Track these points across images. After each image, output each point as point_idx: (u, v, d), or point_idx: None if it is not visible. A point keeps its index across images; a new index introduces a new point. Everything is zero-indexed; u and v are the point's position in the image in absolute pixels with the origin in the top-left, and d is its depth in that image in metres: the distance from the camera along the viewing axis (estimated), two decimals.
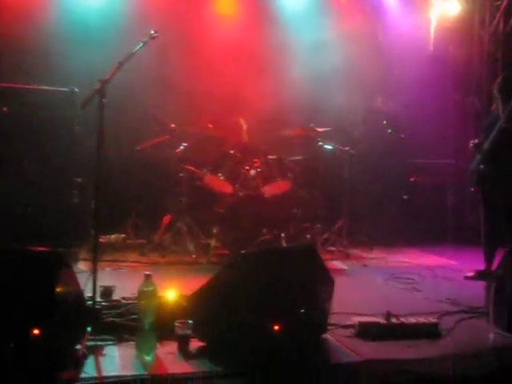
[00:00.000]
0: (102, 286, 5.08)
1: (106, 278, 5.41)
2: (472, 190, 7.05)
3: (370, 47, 9.62)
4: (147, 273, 4.11)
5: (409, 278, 6.83)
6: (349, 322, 4.74)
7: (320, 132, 8.52)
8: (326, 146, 8.66)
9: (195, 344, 4.16)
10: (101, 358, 3.90)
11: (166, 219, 8.25)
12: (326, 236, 8.64)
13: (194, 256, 7.56)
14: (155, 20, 8.18)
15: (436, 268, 7.53)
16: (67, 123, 7.49)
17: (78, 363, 3.73)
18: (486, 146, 6.65)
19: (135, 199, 8.49)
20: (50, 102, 7.41)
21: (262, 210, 7.58)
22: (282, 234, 7.60)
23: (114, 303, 4.79)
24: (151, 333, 4.01)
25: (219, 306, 4.10)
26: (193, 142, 8.24)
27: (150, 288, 4.05)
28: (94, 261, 4.48)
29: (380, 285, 6.63)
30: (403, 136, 9.68)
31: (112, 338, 4.22)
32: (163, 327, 4.20)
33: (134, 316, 4.35)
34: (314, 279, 4.49)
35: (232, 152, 7.88)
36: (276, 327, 3.96)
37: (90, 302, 4.41)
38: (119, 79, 4.73)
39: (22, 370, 3.43)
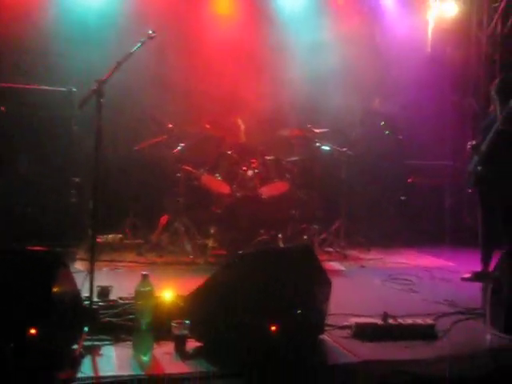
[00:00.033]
0: (99, 286, 5.07)
1: (103, 278, 5.42)
2: (469, 191, 7.05)
3: (367, 48, 9.63)
4: (144, 273, 4.12)
5: (406, 279, 6.84)
6: (346, 323, 4.74)
7: (318, 133, 8.52)
8: (323, 147, 8.66)
9: (192, 344, 4.16)
10: (98, 358, 3.90)
11: (164, 219, 8.25)
12: (323, 237, 8.65)
13: (191, 256, 7.56)
14: (154, 20, 8.18)
15: (433, 269, 7.53)
16: (65, 123, 7.50)
17: (75, 363, 3.73)
18: (483, 147, 6.66)
19: (133, 199, 8.49)
20: (48, 101, 7.42)
21: (260, 211, 7.59)
22: (280, 235, 7.60)
23: (111, 303, 4.79)
24: (148, 333, 4.01)
25: (216, 306, 4.10)
26: (190, 143, 8.23)
27: (147, 288, 4.05)
28: (92, 261, 4.47)
29: (377, 286, 6.63)
30: (401, 137, 9.70)
31: (109, 338, 4.22)
32: (160, 327, 4.20)
33: (131, 316, 4.35)
34: (311, 280, 4.50)
35: (229, 152, 7.88)
36: (273, 328, 3.96)
37: (87, 302, 4.41)
38: (117, 79, 4.73)
39: (19, 370, 3.43)
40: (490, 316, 4.84)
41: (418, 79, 9.71)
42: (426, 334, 4.64)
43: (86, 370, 3.69)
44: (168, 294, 4.62)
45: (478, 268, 6.83)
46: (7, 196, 7.15)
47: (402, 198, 10.02)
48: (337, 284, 4.76)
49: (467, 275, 6.91)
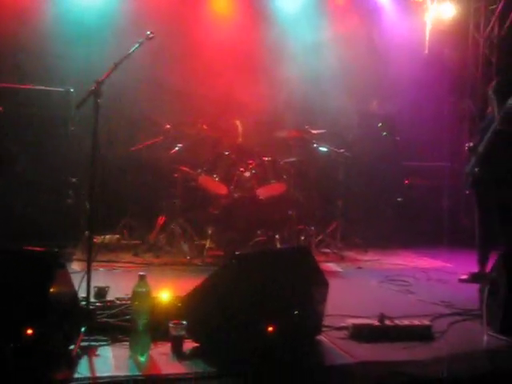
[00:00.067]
0: (96, 287, 5.08)
1: (100, 279, 5.41)
2: (467, 193, 7.06)
3: (365, 50, 9.64)
4: (141, 273, 4.11)
5: (403, 281, 6.84)
6: (343, 324, 4.74)
7: (315, 134, 8.52)
8: (321, 148, 8.67)
9: (189, 345, 4.16)
10: (94, 359, 3.90)
11: (161, 220, 8.25)
12: (320, 238, 8.66)
13: (188, 257, 7.56)
14: (151, 21, 8.17)
15: (430, 270, 7.55)
16: (62, 123, 7.51)
17: (72, 363, 3.72)
18: (480, 148, 6.67)
19: (130, 200, 8.49)
20: (46, 102, 7.43)
21: (257, 212, 7.59)
22: (277, 236, 7.61)
23: (108, 304, 4.78)
24: (145, 333, 4.00)
25: (213, 307, 4.09)
26: (188, 143, 8.24)
27: (144, 289, 4.04)
28: (88, 261, 4.47)
29: (374, 287, 6.64)
30: (398, 138, 9.72)
31: (106, 338, 4.21)
32: (157, 328, 4.19)
33: (127, 317, 4.34)
34: (308, 281, 4.50)
35: (227, 153, 7.88)
36: (270, 328, 3.96)
37: (84, 303, 4.40)
38: (115, 80, 4.72)
39: (16, 370, 3.42)
40: (486, 317, 4.84)
41: (416, 80, 9.73)
42: (422, 335, 4.64)
43: (82, 370, 3.68)
44: (165, 294, 4.62)
45: (475, 269, 6.84)
46: (4, 196, 7.15)
47: (399, 199, 10.04)
48: (334, 285, 4.76)
49: (464, 276, 6.93)
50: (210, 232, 7.60)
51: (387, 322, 4.64)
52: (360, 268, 7.77)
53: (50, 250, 4.02)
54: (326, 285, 4.62)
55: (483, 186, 6.74)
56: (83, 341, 4.05)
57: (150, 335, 4.05)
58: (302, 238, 8.27)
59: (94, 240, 6.18)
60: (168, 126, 8.18)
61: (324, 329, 4.64)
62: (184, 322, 4.14)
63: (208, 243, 7.57)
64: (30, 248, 3.99)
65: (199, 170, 7.86)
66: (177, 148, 8.08)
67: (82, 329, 4.14)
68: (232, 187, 7.66)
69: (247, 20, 9.59)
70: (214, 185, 7.76)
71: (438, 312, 5.39)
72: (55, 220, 7.31)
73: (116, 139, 8.43)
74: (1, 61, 8.37)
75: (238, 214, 7.58)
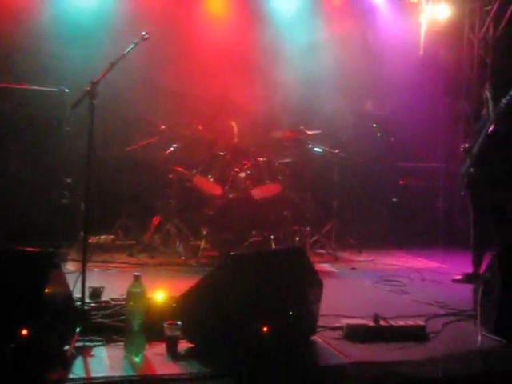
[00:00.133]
0: (90, 287, 5.07)
1: (94, 279, 5.41)
2: (462, 194, 7.07)
3: (360, 51, 9.65)
4: (136, 274, 4.11)
5: (397, 281, 6.86)
6: (337, 324, 4.74)
7: (310, 135, 8.53)
8: (315, 149, 8.67)
9: (184, 345, 4.16)
10: (89, 359, 3.89)
11: (156, 220, 8.25)
12: (315, 238, 8.67)
13: (183, 257, 7.56)
14: (147, 21, 8.20)
15: (425, 271, 7.56)
16: (57, 123, 7.50)
17: (67, 364, 3.72)
18: (475, 149, 6.69)
19: (125, 200, 8.48)
20: (41, 102, 7.42)
21: (252, 212, 7.60)
22: (272, 236, 7.62)
23: (103, 304, 4.78)
24: (140, 334, 4.00)
25: (208, 307, 4.10)
26: (183, 144, 8.23)
27: (139, 289, 4.04)
28: (83, 261, 4.46)
29: (369, 287, 6.65)
30: (392, 139, 9.73)
31: (101, 338, 4.21)
32: (152, 328, 4.19)
33: (122, 317, 4.33)
34: (302, 281, 4.51)
35: (222, 154, 7.89)
36: (265, 329, 3.96)
37: (78, 303, 4.40)
38: (110, 80, 4.72)
39: (11, 370, 3.42)
40: (480, 317, 4.86)
41: (411, 81, 9.75)
42: (417, 335, 4.65)
43: (77, 370, 3.68)
44: (160, 295, 4.62)
45: (469, 270, 6.86)
46: None
47: (394, 199, 10.05)
48: (328, 285, 4.77)
49: (458, 277, 6.95)
50: (204, 232, 7.60)
51: (382, 323, 4.65)
52: (354, 268, 7.77)
53: (45, 250, 4.02)
54: (320, 285, 4.62)
55: (478, 187, 6.75)
56: (78, 341, 4.05)
57: (145, 335, 4.05)
58: (297, 238, 8.29)
59: (89, 240, 6.18)
60: (163, 127, 8.18)
61: (319, 329, 4.64)
62: (179, 323, 4.14)
63: (203, 244, 7.57)
64: (24, 248, 3.98)
65: (194, 171, 7.87)
66: (172, 148, 8.08)
67: (77, 329, 4.14)
68: (227, 188, 7.67)
69: (242, 21, 9.60)
70: (209, 185, 7.76)
71: (432, 312, 5.40)
72: (50, 220, 7.30)
73: (111, 139, 8.42)
74: None
75: (233, 214, 7.58)
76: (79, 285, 4.41)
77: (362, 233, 9.22)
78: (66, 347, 3.88)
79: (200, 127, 8.22)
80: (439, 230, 9.54)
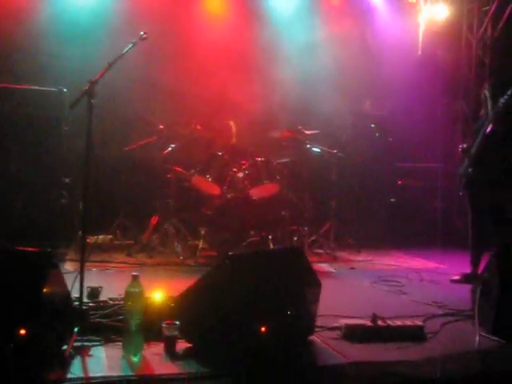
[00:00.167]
0: (89, 287, 5.08)
1: (92, 279, 5.41)
2: (460, 194, 7.07)
3: (358, 50, 9.66)
4: (134, 274, 4.10)
5: (396, 281, 6.86)
6: (335, 324, 4.74)
7: (308, 134, 8.53)
8: (314, 149, 8.67)
9: (182, 345, 4.16)
10: (87, 359, 3.89)
11: (154, 220, 8.25)
12: (313, 238, 8.67)
13: (181, 257, 7.56)
14: (145, 20, 8.19)
15: (423, 271, 7.56)
16: (56, 123, 7.50)
17: (65, 364, 3.72)
18: (473, 149, 6.70)
19: (123, 200, 8.48)
20: (39, 101, 7.41)
21: (250, 212, 7.59)
22: (270, 236, 7.61)
23: (101, 304, 4.78)
24: (138, 334, 4.00)
25: (206, 307, 4.10)
26: (181, 144, 8.23)
27: (137, 289, 4.04)
28: (82, 261, 4.46)
29: (367, 287, 6.65)
30: (391, 139, 9.73)
31: (99, 338, 4.21)
32: (150, 328, 4.19)
33: (120, 317, 4.33)
34: (301, 281, 4.51)
35: (220, 154, 7.88)
36: (263, 329, 3.96)
37: (77, 303, 4.40)
38: (108, 80, 4.72)
39: (9, 370, 3.42)
40: (478, 317, 4.86)
41: (409, 81, 9.75)
42: (415, 335, 4.65)
43: (75, 370, 3.68)
44: (158, 294, 4.62)
45: (468, 270, 6.86)
46: None
47: (392, 200, 10.06)
48: (326, 285, 4.77)
49: (456, 277, 6.95)
50: (203, 232, 7.60)
51: (380, 323, 4.65)
52: (353, 268, 7.77)
53: (43, 250, 4.01)
54: (318, 285, 4.62)
55: (476, 187, 6.75)
56: (76, 341, 4.05)
57: (143, 335, 4.05)
58: (295, 238, 8.28)
59: (87, 240, 6.18)
60: (161, 127, 8.18)
61: (317, 329, 4.64)
62: (177, 323, 4.14)
63: (201, 243, 7.57)
64: (22, 248, 3.98)
65: (192, 171, 7.86)
66: (170, 148, 8.08)
67: (75, 329, 4.14)
68: (225, 188, 7.67)
69: (241, 20, 9.60)
70: (207, 185, 7.76)
71: (430, 312, 5.40)
72: (48, 220, 7.29)
73: (110, 139, 8.42)
74: None
75: (231, 214, 7.58)
76: (77, 285, 4.41)
77: (360, 233, 9.22)
78: (64, 347, 3.88)
79: (198, 127, 8.22)
80: (437, 230, 9.55)
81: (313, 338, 4.55)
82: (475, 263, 6.79)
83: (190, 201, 8.19)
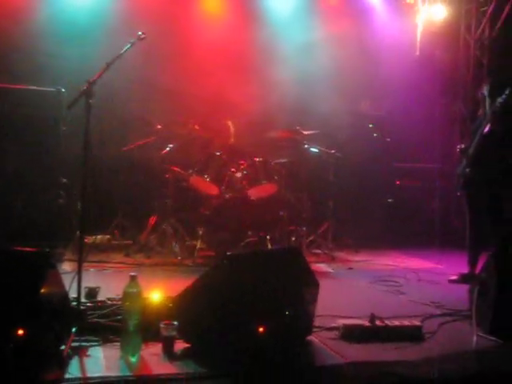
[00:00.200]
0: (86, 287, 5.07)
1: (90, 279, 5.41)
2: (458, 194, 7.08)
3: (356, 51, 9.65)
4: (132, 274, 4.10)
5: (393, 281, 6.86)
6: (333, 325, 4.75)
7: (306, 135, 8.53)
8: (312, 149, 8.68)
9: (180, 345, 4.16)
10: (85, 359, 3.89)
11: (152, 220, 8.25)
12: (311, 239, 8.68)
13: (179, 257, 7.56)
14: (143, 20, 8.19)
15: (421, 271, 7.55)
16: (54, 123, 7.49)
17: (63, 364, 3.71)
18: (471, 150, 6.70)
19: (121, 200, 8.48)
20: (37, 101, 7.41)
21: (248, 212, 7.60)
22: (268, 237, 7.62)
23: (99, 304, 4.78)
24: (136, 334, 4.00)
25: (204, 307, 4.10)
26: (179, 144, 8.23)
27: (135, 289, 4.04)
28: (79, 261, 4.46)
29: (365, 287, 6.65)
30: (389, 140, 9.74)
31: (97, 338, 4.21)
32: (148, 328, 4.19)
33: (118, 317, 4.33)
34: (299, 282, 4.51)
35: (218, 154, 7.88)
36: (261, 329, 3.96)
37: (74, 303, 4.39)
38: (106, 80, 4.72)
39: (8, 371, 3.42)
40: (476, 318, 4.86)
41: (407, 82, 9.76)
42: (413, 335, 4.65)
43: (73, 370, 3.68)
44: (156, 295, 4.62)
45: (465, 270, 6.86)
46: None
47: (390, 200, 10.06)
48: (324, 286, 4.77)
49: (454, 277, 6.95)
50: (201, 232, 7.60)
51: (378, 323, 4.65)
52: (351, 268, 7.77)
53: (41, 251, 4.01)
54: (316, 285, 4.63)
55: (474, 187, 6.76)
56: (74, 341, 4.05)
57: (141, 336, 4.05)
58: (293, 238, 8.28)
59: (85, 240, 6.17)
60: (159, 126, 8.18)
61: (315, 329, 4.64)
62: (175, 323, 4.14)
63: (199, 244, 7.57)
64: (20, 248, 3.98)
65: (190, 171, 7.86)
66: (168, 148, 8.08)
67: (73, 329, 4.14)
68: (223, 188, 7.67)
69: (238, 19, 9.60)
70: (205, 185, 7.76)
71: (428, 312, 5.40)
72: (46, 220, 7.29)
73: (108, 139, 8.42)
74: None
75: (229, 214, 7.58)
76: (75, 285, 4.40)
77: (358, 233, 9.22)
78: (62, 347, 3.88)
79: (196, 127, 8.22)
80: (435, 231, 9.56)
81: (311, 338, 4.55)
82: (473, 263, 6.79)
83: (188, 201, 8.19)
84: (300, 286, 4.48)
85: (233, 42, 9.33)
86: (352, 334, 4.56)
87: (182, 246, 7.83)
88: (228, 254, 4.37)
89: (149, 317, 4.28)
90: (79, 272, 4.42)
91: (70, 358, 3.83)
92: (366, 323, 4.65)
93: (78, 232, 5.81)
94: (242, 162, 7.89)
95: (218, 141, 8.46)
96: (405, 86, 9.76)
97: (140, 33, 5.00)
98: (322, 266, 7.76)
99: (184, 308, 4.25)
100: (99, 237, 8.08)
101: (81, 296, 4.46)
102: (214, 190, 7.70)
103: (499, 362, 4.35)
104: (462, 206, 7.22)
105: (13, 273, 3.69)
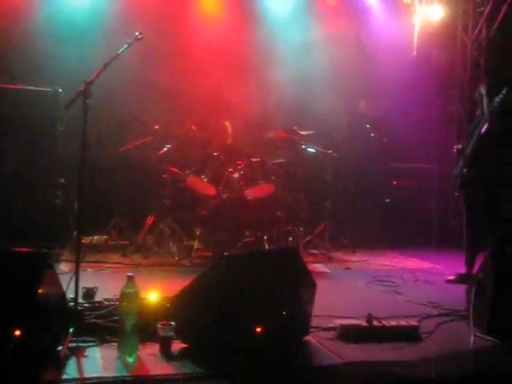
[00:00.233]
0: (84, 288, 5.07)
1: (88, 280, 5.40)
2: (456, 194, 7.09)
3: (354, 51, 9.66)
4: (129, 274, 4.10)
5: (391, 281, 6.86)
6: (331, 325, 4.75)
7: (303, 135, 8.53)
8: (309, 149, 8.67)
9: (177, 345, 4.16)
10: (83, 360, 3.89)
11: (149, 220, 8.24)
12: (308, 239, 8.67)
13: (176, 258, 7.56)
14: (140, 20, 8.20)
15: (418, 271, 7.57)
16: (51, 123, 7.49)
17: (60, 364, 3.71)
18: (468, 150, 6.72)
19: (118, 200, 8.47)
20: (34, 101, 7.42)
21: (245, 213, 7.60)
22: (265, 237, 7.62)
23: (97, 304, 4.78)
24: (133, 334, 4.00)
25: (202, 307, 4.10)
26: (177, 144, 8.22)
27: (133, 289, 4.04)
28: (77, 262, 4.46)
29: (362, 288, 6.65)
30: (386, 140, 9.74)
31: (94, 339, 4.20)
32: (145, 329, 4.19)
33: (116, 317, 4.33)
34: (296, 282, 4.51)
35: (216, 154, 7.88)
36: (258, 329, 3.96)
37: (72, 304, 4.39)
38: (104, 80, 4.72)
39: (4, 371, 3.42)
40: (473, 317, 4.87)
41: (404, 82, 9.77)
42: (410, 335, 4.66)
43: (70, 371, 3.68)
44: (153, 295, 4.62)
45: (463, 270, 6.87)
46: None
47: (387, 200, 10.07)
48: (322, 286, 4.78)
49: (451, 277, 6.97)
50: (198, 233, 7.60)
51: (375, 323, 4.65)
52: (348, 269, 7.78)
53: (39, 251, 4.01)
54: (313, 285, 4.63)
55: (471, 188, 6.77)
56: (71, 342, 4.04)
57: (139, 336, 4.05)
58: (290, 238, 8.29)
59: (83, 241, 6.18)
60: (157, 127, 8.17)
61: (312, 329, 4.65)
62: (172, 323, 4.14)
63: (196, 244, 7.57)
64: (18, 248, 3.97)
65: (188, 171, 7.86)
66: (165, 149, 8.07)
67: (70, 330, 4.14)
68: (220, 188, 7.67)
69: (236, 19, 9.60)
70: (203, 185, 7.76)
71: (425, 313, 5.41)
72: (43, 220, 7.29)
73: (105, 139, 8.42)
74: None
75: (227, 214, 7.58)
76: (72, 285, 4.40)
77: (355, 233, 9.23)
78: (60, 348, 3.88)
79: (194, 127, 8.22)
80: (432, 231, 9.57)
81: (308, 338, 4.55)
82: (470, 263, 6.80)
83: (185, 201, 8.18)
84: (297, 286, 4.49)
85: (230, 42, 9.33)
86: (349, 334, 4.57)
87: (179, 246, 7.82)
88: (225, 254, 4.38)
89: (146, 317, 4.28)
90: (77, 272, 4.42)
91: (67, 358, 3.83)
92: (363, 323, 4.65)
93: (75, 232, 5.82)
94: (239, 162, 7.89)
95: (216, 141, 8.46)
96: (402, 87, 9.77)
97: (137, 33, 5.00)
98: (319, 266, 7.76)
99: (181, 308, 4.25)
100: (96, 237, 8.06)
101: (78, 296, 4.46)
102: (211, 191, 7.70)
103: (496, 362, 4.36)
104: (460, 206, 7.24)
105: (10, 273, 3.69)
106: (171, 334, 4.12)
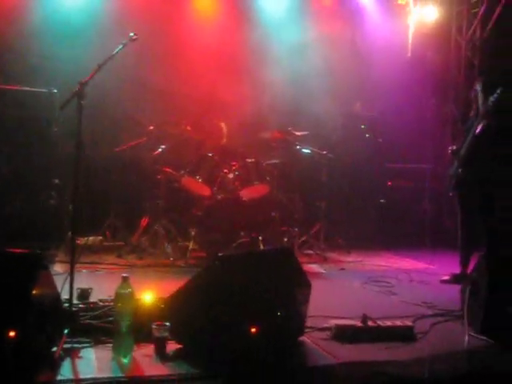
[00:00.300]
0: (78, 288, 5.06)
1: (82, 280, 5.40)
2: (450, 195, 7.10)
3: (348, 52, 9.68)
4: (124, 275, 4.10)
5: (385, 282, 6.87)
6: (325, 325, 4.76)
7: (298, 135, 8.54)
8: (304, 150, 8.68)
9: (172, 346, 4.16)
10: (77, 361, 3.89)
11: (144, 221, 8.23)
12: (303, 239, 8.67)
13: (171, 258, 7.55)
14: (135, 20, 8.19)
15: (413, 272, 7.57)
16: (46, 124, 7.49)
17: (55, 365, 3.71)
18: (462, 150, 6.73)
19: (113, 201, 8.45)
20: (29, 102, 7.41)
21: (240, 213, 7.60)
22: (260, 237, 7.62)
23: (91, 305, 4.78)
24: (128, 335, 4.00)
25: (197, 308, 4.10)
26: (171, 144, 8.22)
27: (127, 290, 4.04)
28: (71, 263, 4.46)
29: (357, 288, 6.66)
30: (381, 140, 9.75)
31: (89, 340, 4.20)
32: (140, 329, 4.19)
33: (110, 318, 4.33)
34: (291, 282, 4.51)
35: (210, 155, 7.88)
36: (253, 330, 3.96)
37: (66, 304, 4.39)
38: (98, 80, 4.72)
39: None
40: (467, 318, 4.88)
41: (399, 83, 9.78)
42: (404, 335, 4.67)
43: (65, 372, 3.68)
44: (148, 296, 4.62)
45: (457, 270, 6.89)
46: None
47: (382, 200, 10.08)
48: (317, 286, 4.78)
49: (446, 277, 6.98)
50: (193, 233, 7.59)
51: (370, 323, 4.66)
52: (343, 269, 7.78)
53: (33, 252, 4.00)
54: (308, 286, 4.64)
55: (466, 188, 6.79)
56: (66, 343, 4.04)
57: (133, 337, 4.05)
58: (285, 239, 8.28)
59: (77, 241, 6.16)
60: (151, 127, 8.16)
61: (307, 330, 4.65)
62: (167, 324, 4.14)
63: (191, 244, 7.57)
64: (12, 249, 3.97)
65: (182, 172, 7.85)
66: (160, 149, 8.06)
67: (65, 331, 4.13)
68: (215, 188, 7.66)
69: (231, 20, 9.60)
70: (198, 186, 7.75)
71: (420, 313, 5.42)
72: (38, 221, 7.28)
73: (100, 140, 8.40)
74: None
75: (221, 215, 7.59)
76: (67, 286, 4.40)
77: (350, 233, 9.24)
78: (54, 349, 3.88)
79: (188, 128, 8.21)
80: (427, 231, 9.59)
81: (303, 338, 4.55)
82: (464, 263, 6.81)
83: (180, 202, 8.18)
84: (292, 286, 4.49)
85: (225, 42, 9.33)
86: (344, 335, 4.57)
87: (174, 246, 7.82)
88: (220, 254, 4.38)
89: (141, 318, 4.27)
90: (71, 273, 4.42)
91: (61, 359, 3.83)
92: (358, 323, 4.66)
93: (69, 233, 5.81)
94: (234, 162, 7.89)
95: (210, 142, 8.46)
96: (397, 87, 9.78)
97: (132, 34, 5.01)
98: (314, 267, 7.76)
99: (176, 309, 4.25)
100: (91, 238, 8.04)
101: (73, 297, 4.45)
102: (206, 191, 7.70)
103: (490, 361, 4.37)
104: (454, 206, 7.24)
105: (4, 274, 3.68)
106: (166, 334, 4.12)
